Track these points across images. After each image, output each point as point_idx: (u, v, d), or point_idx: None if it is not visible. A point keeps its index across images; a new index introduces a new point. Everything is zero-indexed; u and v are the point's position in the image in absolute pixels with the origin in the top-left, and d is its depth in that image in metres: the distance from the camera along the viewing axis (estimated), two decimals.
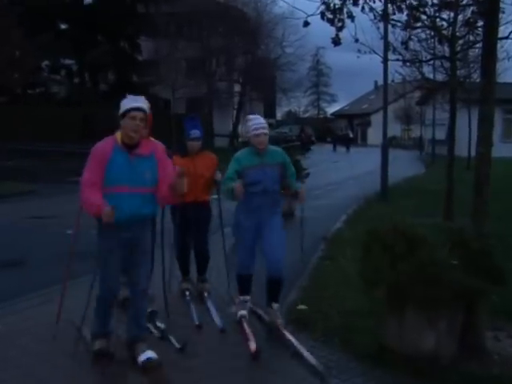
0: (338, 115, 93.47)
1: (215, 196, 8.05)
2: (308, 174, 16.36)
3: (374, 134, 59.24)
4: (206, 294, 7.89)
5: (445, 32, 13.03)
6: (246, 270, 7.07)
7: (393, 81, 18.98)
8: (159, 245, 6.76)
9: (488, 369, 5.71)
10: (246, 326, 6.70)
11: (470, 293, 5.66)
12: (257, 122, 6.88)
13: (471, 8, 11.99)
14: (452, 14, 12.86)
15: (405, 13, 11.06)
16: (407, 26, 12.21)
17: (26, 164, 27.61)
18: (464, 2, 12.28)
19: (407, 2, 10.79)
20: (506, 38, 8.96)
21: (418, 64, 15.65)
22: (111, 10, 36.93)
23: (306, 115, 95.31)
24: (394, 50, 14.25)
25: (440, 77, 18.78)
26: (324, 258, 10.29)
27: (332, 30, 8.69)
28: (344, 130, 75.47)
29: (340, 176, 28.83)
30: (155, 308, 6.91)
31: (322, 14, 8.55)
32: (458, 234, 6.28)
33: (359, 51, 12.77)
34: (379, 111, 46.41)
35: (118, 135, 5.71)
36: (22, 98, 36.19)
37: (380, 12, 10.78)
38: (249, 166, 6.76)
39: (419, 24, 12.38)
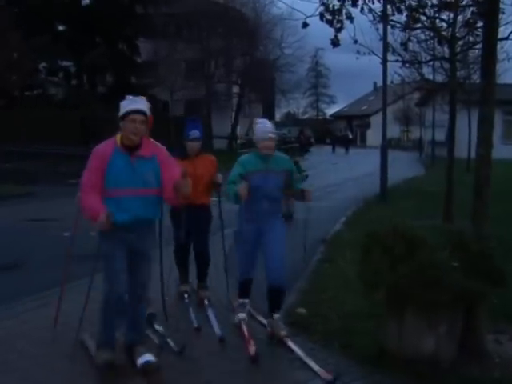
0: (337, 116, 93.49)
1: (215, 198, 8.00)
2: (307, 176, 16.33)
3: (374, 136, 59.24)
4: (206, 302, 7.76)
5: (444, 33, 13.01)
6: (247, 274, 7.02)
7: (392, 82, 19.00)
8: (157, 246, 6.72)
9: (489, 372, 5.68)
10: (245, 329, 6.66)
11: (470, 295, 5.63)
12: (265, 125, 6.79)
13: (471, 9, 11.98)
14: (452, 15, 12.84)
15: (404, 14, 11.07)
16: (406, 26, 12.18)
17: (24, 166, 27.58)
18: (464, 3, 12.25)
19: (406, 2, 10.79)
20: (506, 38, 8.96)
21: (417, 65, 15.64)
22: (109, 11, 36.83)
23: (305, 116, 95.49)
24: (394, 51, 14.24)
25: (440, 78, 18.84)
26: (323, 260, 10.28)
27: (331, 31, 8.67)
28: (343, 132, 75.53)
29: (339, 178, 28.80)
30: (153, 311, 6.86)
31: (321, 15, 8.52)
32: (458, 237, 6.25)
33: (358, 52, 12.76)
34: (378, 112, 46.45)
35: (118, 137, 5.64)
36: (20, 100, 36.12)
37: (379, 13, 10.76)
38: (253, 170, 6.65)
39: (419, 25, 12.37)
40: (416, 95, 44.65)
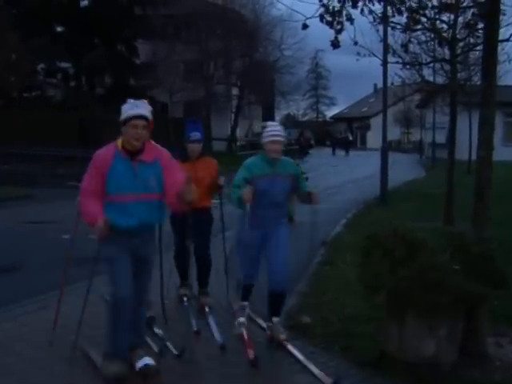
0: (337, 118, 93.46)
1: (217, 200, 7.96)
2: (307, 179, 16.26)
3: (374, 138, 59.23)
4: (207, 309, 7.66)
5: (445, 34, 13.01)
6: (250, 279, 6.92)
7: (392, 84, 19.01)
8: (157, 250, 6.68)
9: (490, 375, 5.68)
10: (244, 333, 6.61)
11: (470, 298, 5.61)
12: (274, 129, 6.71)
13: (471, 10, 11.98)
14: (452, 16, 12.83)
15: (404, 15, 11.05)
16: (407, 28, 12.16)
17: (22, 168, 27.57)
18: (464, 4, 12.26)
19: (407, 4, 10.77)
20: (507, 40, 8.93)
21: (417, 67, 15.62)
22: (108, 12, 36.75)
23: (305, 118, 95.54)
24: (394, 53, 14.18)
25: (440, 79, 18.76)
26: (323, 263, 10.25)
27: (331, 33, 8.64)
28: (343, 134, 75.46)
29: (339, 180, 28.77)
30: (153, 314, 6.83)
31: (321, 17, 8.49)
32: (458, 239, 6.23)
33: (358, 54, 12.75)
34: (379, 114, 46.39)
35: (119, 142, 5.56)
36: (18, 101, 36.08)
37: (379, 14, 10.73)
38: (259, 174, 6.55)
39: (419, 26, 12.35)
40: (416, 97, 44.60)
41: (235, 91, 50.32)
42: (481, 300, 5.79)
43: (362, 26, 9.47)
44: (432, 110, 38.13)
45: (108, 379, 5.53)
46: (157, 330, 6.67)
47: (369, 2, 9.00)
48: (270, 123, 6.92)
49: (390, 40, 14.29)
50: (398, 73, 17.73)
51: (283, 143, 6.70)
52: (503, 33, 9.05)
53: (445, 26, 12.97)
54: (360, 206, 18.55)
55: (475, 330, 5.90)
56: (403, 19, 11.54)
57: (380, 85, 26.28)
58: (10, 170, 27.17)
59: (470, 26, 12.14)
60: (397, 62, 14.75)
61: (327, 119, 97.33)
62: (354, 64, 13.55)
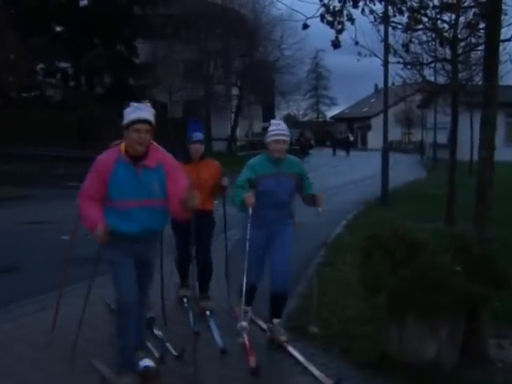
0: (337, 119, 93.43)
1: (219, 200, 7.91)
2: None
3: (375, 138, 59.27)
4: (208, 313, 7.59)
5: (446, 34, 13.01)
6: (255, 280, 6.79)
7: (393, 84, 19.02)
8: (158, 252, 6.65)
9: (491, 377, 5.66)
10: (246, 338, 6.46)
11: (472, 299, 5.60)
12: (278, 127, 6.55)
13: (473, 10, 11.96)
14: (453, 16, 12.85)
15: (405, 15, 11.00)
16: (408, 28, 12.13)
17: (22, 168, 27.59)
18: (465, 4, 12.26)
19: (408, 4, 10.73)
20: (509, 40, 8.91)
21: (418, 67, 15.61)
22: (107, 12, 36.74)
23: (306, 119, 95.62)
24: (395, 53, 14.16)
25: (441, 80, 18.80)
26: (324, 264, 10.21)
27: (332, 33, 8.62)
28: (344, 134, 75.50)
29: (340, 180, 28.74)
30: (153, 315, 6.80)
31: (322, 17, 8.47)
32: (460, 239, 6.23)
33: (359, 54, 12.70)
34: (379, 114, 46.37)
35: (123, 146, 5.42)
36: (17, 101, 36.08)
37: (380, 14, 10.67)
38: (264, 174, 6.46)
39: (420, 26, 12.33)
40: (418, 97, 44.54)
41: (235, 91, 50.28)
42: (482, 301, 5.77)
43: (362, 25, 9.45)
44: (433, 110, 38.13)
45: None
46: (156, 332, 6.63)
47: (370, 2, 8.98)
48: (274, 121, 6.75)
49: (391, 40, 14.27)
50: (398, 73, 17.75)
51: (287, 142, 6.53)
52: (505, 33, 9.06)
53: (446, 26, 12.99)
54: (361, 206, 18.54)
55: (476, 331, 5.87)
56: (404, 19, 11.51)
57: (381, 85, 26.29)
58: (9, 170, 27.20)
59: (471, 26, 12.12)
60: (398, 62, 14.74)
61: (328, 119, 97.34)
62: (355, 64, 13.48)
